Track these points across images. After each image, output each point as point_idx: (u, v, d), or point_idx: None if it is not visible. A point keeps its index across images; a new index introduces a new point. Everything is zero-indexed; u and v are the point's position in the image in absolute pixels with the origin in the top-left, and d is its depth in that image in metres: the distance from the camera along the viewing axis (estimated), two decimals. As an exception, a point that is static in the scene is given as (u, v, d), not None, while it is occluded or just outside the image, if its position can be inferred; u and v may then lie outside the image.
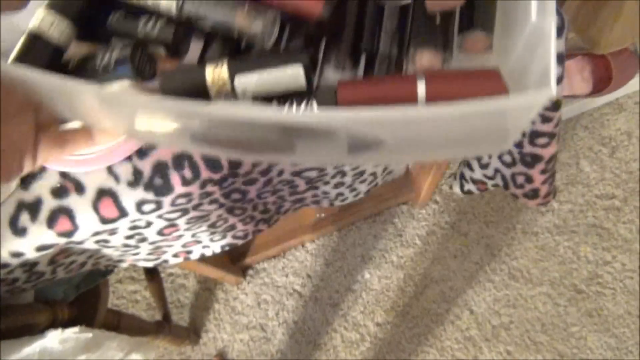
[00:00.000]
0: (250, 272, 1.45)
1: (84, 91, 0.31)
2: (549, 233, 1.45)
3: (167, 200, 0.56)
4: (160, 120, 0.34)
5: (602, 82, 1.31)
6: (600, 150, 1.51)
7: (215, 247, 0.80)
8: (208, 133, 0.36)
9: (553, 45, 0.39)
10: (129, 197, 0.55)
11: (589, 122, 1.53)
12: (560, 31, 0.60)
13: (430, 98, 0.46)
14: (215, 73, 0.38)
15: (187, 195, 0.57)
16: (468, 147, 0.49)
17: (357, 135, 0.41)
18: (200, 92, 0.37)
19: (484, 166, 0.85)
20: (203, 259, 0.82)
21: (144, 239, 0.66)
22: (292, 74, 0.39)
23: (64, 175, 0.55)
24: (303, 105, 0.41)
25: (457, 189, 0.95)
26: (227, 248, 0.82)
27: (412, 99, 0.45)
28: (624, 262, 1.42)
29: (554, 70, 0.38)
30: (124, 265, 0.77)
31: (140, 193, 0.55)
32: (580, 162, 1.50)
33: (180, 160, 0.55)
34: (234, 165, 0.56)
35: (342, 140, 0.42)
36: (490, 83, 0.47)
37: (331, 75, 0.46)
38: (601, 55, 1.19)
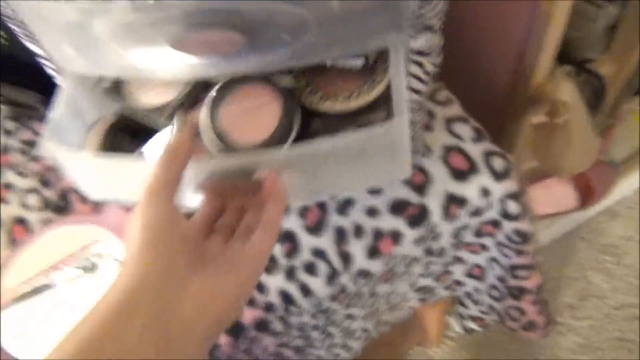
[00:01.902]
0: None
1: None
2: (574, 354, 1.38)
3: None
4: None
5: (587, 195, 1.34)
6: (606, 260, 1.49)
7: None
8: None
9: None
10: None
11: (586, 233, 1.53)
12: (507, 172, 0.63)
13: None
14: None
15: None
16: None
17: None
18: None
19: (477, 302, 0.84)
20: None
21: None
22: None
23: None
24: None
25: (458, 329, 0.93)
26: None
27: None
28: (661, 375, 1.33)
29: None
30: None
31: None
32: (588, 275, 1.47)
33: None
34: (214, 347, 0.57)
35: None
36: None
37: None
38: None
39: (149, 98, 0.53)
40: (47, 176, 0.73)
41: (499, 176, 0.63)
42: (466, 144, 0.65)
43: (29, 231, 0.69)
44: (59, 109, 0.49)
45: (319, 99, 0.50)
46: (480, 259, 0.75)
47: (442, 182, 0.63)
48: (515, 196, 0.64)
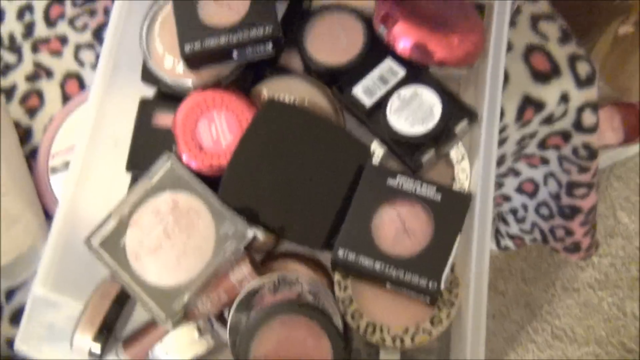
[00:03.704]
0: None
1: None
2: (591, 289, 1.39)
3: None
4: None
5: (633, 131, 1.29)
6: (638, 201, 1.46)
7: None
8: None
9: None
10: None
11: (623, 172, 1.49)
12: (591, 80, 0.59)
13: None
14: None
15: None
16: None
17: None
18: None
19: (520, 220, 0.82)
20: None
21: None
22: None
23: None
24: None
25: (492, 245, 0.92)
26: None
27: None
28: (675, 318, 1.34)
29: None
30: None
31: None
32: (618, 214, 1.45)
33: None
34: None
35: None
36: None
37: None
38: (630, 103, 1.18)
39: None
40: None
41: (582, 83, 0.59)
42: (551, 44, 0.60)
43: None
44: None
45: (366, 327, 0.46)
46: (537, 173, 0.72)
47: (520, 83, 0.59)
48: (594, 107, 0.61)
